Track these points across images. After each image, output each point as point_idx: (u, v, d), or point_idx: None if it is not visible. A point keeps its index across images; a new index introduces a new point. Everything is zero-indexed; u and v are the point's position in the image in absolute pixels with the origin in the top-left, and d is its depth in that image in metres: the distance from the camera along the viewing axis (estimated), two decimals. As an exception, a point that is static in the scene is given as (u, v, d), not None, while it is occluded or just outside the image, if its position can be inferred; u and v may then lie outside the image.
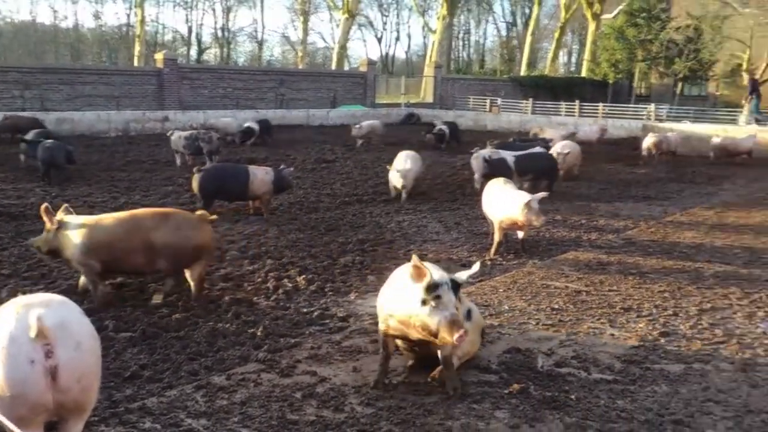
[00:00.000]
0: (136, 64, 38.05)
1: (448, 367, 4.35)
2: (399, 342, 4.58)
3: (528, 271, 7.39)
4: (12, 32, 58.89)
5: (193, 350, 5.11)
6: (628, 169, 16.20)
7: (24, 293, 4.57)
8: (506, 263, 7.83)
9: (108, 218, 6.01)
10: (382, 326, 4.43)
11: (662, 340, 5.36)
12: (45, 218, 5.86)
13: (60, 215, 5.93)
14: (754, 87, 22.16)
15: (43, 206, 5.92)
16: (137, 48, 39.23)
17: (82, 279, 6.35)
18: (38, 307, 3.06)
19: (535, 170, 11.94)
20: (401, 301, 4.15)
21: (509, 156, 11.85)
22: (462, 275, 4.15)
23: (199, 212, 6.15)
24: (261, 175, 9.63)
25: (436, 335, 3.94)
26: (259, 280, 6.92)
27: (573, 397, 4.32)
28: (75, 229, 5.81)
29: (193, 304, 6.04)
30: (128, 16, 58.32)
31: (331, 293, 6.59)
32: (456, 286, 4.03)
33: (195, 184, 9.64)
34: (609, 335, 5.49)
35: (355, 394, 4.37)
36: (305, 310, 6.06)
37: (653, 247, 8.54)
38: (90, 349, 3.17)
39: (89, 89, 23.30)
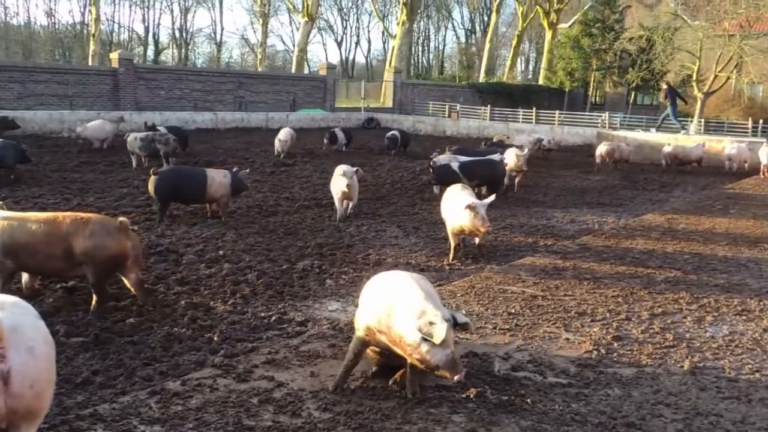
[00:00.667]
0: (90, 63, 37.21)
1: (413, 374, 4.36)
2: (369, 350, 4.57)
3: (485, 276, 7.46)
4: (-41, 28, 57.12)
5: (147, 355, 5.02)
6: (583, 176, 16.52)
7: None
8: (464, 268, 7.90)
9: (31, 218, 5.73)
10: (362, 335, 4.37)
11: (615, 344, 5.47)
12: None
13: None
14: (671, 95, 22.95)
15: None
16: (92, 47, 38.35)
17: (25, 277, 6.19)
18: None
19: (480, 177, 12.09)
20: (394, 323, 4.09)
21: (455, 162, 11.96)
22: (463, 317, 4.12)
23: (120, 219, 5.87)
24: (219, 178, 9.51)
25: (434, 370, 3.96)
26: (216, 284, 6.84)
27: (529, 400, 4.37)
28: None
29: (149, 308, 5.92)
30: (83, 14, 57.27)
31: (289, 297, 6.55)
32: (455, 323, 4.02)
33: (151, 187, 9.46)
34: (564, 339, 5.58)
35: (313, 399, 4.34)
36: (263, 314, 6.01)
37: (607, 252, 8.72)
38: (43, 353, 3.08)
39: (41, 88, 22.70)
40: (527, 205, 12.26)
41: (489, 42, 47.08)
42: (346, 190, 9.93)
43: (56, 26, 60.42)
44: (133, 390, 4.45)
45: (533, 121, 27.95)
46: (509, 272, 7.65)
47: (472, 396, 4.40)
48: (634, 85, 33.74)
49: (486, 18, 62.89)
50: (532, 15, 44.90)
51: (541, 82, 42.48)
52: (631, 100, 36.42)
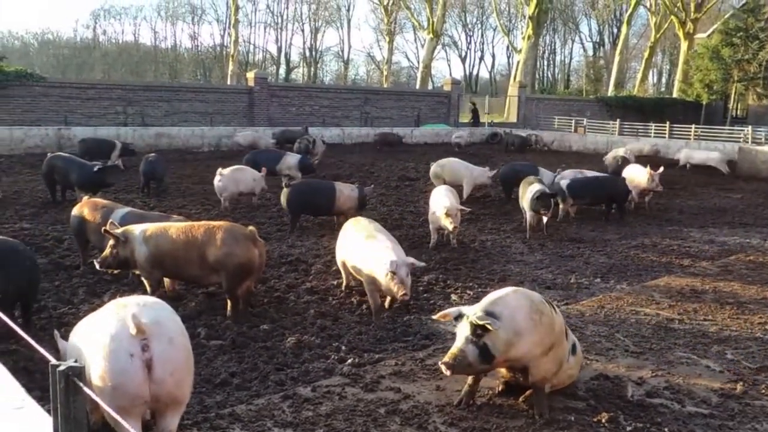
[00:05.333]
0: (228, 82, 39.55)
1: (537, 393, 4.29)
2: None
3: (615, 297, 7.18)
4: (116, 52, 62.66)
5: (279, 361, 5.24)
6: (723, 194, 15.50)
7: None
8: (592, 287, 7.64)
9: (171, 228, 6.07)
10: None
11: (762, 375, 5.09)
12: (108, 236, 6.09)
13: (122, 228, 6.15)
14: (475, 116, 27.52)
15: (103, 229, 6.21)
16: (230, 67, 40.78)
17: (167, 281, 6.59)
18: (134, 307, 3.31)
19: (593, 195, 11.59)
20: None
21: (564, 180, 11.65)
22: (483, 319, 3.97)
23: (249, 228, 6.12)
24: (347, 192, 9.80)
25: None
26: (343, 294, 7.03)
27: (666, 429, 4.17)
28: (141, 240, 6.00)
29: (230, 321, 6.03)
30: (222, 36, 61.11)
31: (414, 310, 6.60)
32: (475, 324, 4.00)
33: (283, 199, 9.90)
34: (704, 367, 5.26)
35: (439, 413, 4.36)
36: (388, 326, 6.10)
37: (752, 275, 8.13)
38: (181, 344, 3.39)
39: (185, 106, 24.37)
40: (660, 223, 11.67)
41: (619, 54, 45.40)
42: (450, 225, 8.80)
43: (199, 48, 64.76)
44: (266, 393, 4.66)
45: (666, 135, 26.59)
46: (641, 293, 7.32)
47: (603, 421, 4.25)
48: (782, 97, 31.31)
49: (616, 30, 60.82)
50: (666, 25, 42.87)
51: (675, 95, 40.37)
52: (778, 113, 33.77)
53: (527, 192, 10.27)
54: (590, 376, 4.98)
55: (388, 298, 6.49)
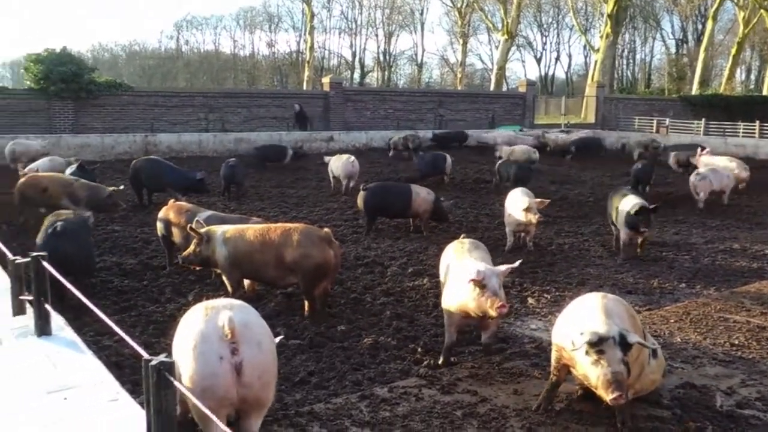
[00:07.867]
0: (305, 87, 40.29)
1: None
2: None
3: (702, 302, 6.90)
4: (198, 61, 64.96)
5: (356, 361, 5.30)
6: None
7: (208, 298, 4.97)
8: (676, 293, 7.37)
9: (248, 230, 6.22)
10: (553, 354, 4.36)
11: None
12: (193, 234, 6.29)
13: (206, 228, 6.33)
14: (301, 118, 24.44)
15: (188, 226, 6.42)
16: (306, 73, 41.63)
17: (246, 282, 6.74)
18: (225, 310, 3.37)
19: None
20: (570, 339, 4.05)
21: None
22: (635, 337, 3.88)
23: (324, 230, 6.20)
24: (423, 194, 9.82)
25: (595, 388, 3.90)
26: (419, 296, 7.04)
27: (758, 441, 3.98)
28: (221, 241, 6.17)
29: (307, 321, 6.13)
30: (298, 43, 62.28)
31: (490, 314, 6.53)
32: (624, 342, 3.83)
33: (360, 201, 10.01)
34: (800, 377, 4.99)
35: (517, 418, 4.31)
36: (465, 329, 6.05)
37: None
38: (269, 348, 3.45)
39: (263, 111, 25.00)
40: (750, 227, 11.13)
41: (704, 51, 43.57)
42: (535, 218, 8.68)
43: (275, 55, 66.22)
44: (344, 392, 4.72)
45: (756, 135, 25.34)
46: (730, 299, 7.01)
47: (690, 431, 4.09)
48: None
49: (700, 26, 58.36)
50: (755, 20, 40.88)
51: (765, 92, 38.47)
52: None
53: (621, 205, 8.83)
54: (675, 385, 4.81)
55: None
